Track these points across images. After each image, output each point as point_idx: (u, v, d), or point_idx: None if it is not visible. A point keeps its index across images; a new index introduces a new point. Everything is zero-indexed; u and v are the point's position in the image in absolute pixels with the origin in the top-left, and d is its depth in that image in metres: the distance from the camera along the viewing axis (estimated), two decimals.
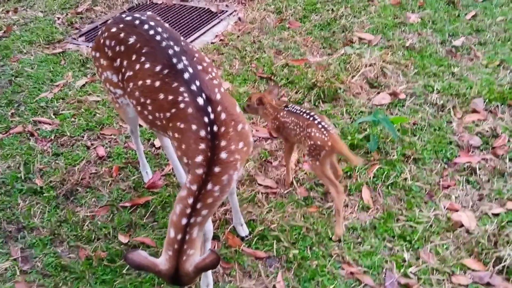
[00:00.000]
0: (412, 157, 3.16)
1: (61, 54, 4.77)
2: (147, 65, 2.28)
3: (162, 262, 2.04)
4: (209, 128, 2.04)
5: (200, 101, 2.09)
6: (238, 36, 4.75)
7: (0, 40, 5.19)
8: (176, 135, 2.17)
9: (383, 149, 3.25)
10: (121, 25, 2.46)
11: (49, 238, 2.88)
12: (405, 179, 3.02)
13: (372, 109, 3.61)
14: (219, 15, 5.24)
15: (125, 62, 2.40)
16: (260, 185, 3.11)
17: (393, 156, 3.18)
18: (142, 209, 3.01)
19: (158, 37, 2.32)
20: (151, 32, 2.35)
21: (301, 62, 4.19)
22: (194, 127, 2.07)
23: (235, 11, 5.30)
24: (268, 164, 3.28)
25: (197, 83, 2.13)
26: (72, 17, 5.46)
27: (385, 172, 3.06)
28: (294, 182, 3.10)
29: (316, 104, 3.73)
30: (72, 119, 3.84)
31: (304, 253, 2.65)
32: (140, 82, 2.29)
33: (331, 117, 3.58)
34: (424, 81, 3.83)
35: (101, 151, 3.49)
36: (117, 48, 2.44)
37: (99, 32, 2.62)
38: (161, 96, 2.20)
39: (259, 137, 3.50)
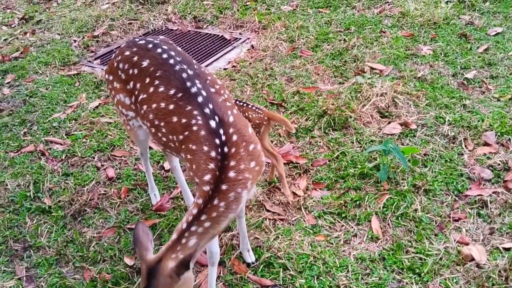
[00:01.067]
0: (422, 188, 3.13)
1: (75, 76, 4.86)
2: (161, 89, 2.32)
3: (152, 255, 2.05)
4: (219, 149, 2.10)
5: (213, 123, 2.14)
6: (251, 63, 4.80)
7: (17, 60, 5.30)
8: (188, 156, 2.21)
9: (393, 179, 3.22)
10: (134, 49, 2.52)
11: (55, 258, 2.87)
12: (416, 210, 2.98)
13: (383, 138, 3.60)
14: (232, 42, 5.32)
15: (138, 85, 2.43)
16: (268, 211, 3.09)
17: (404, 186, 3.16)
18: None
19: (171, 61, 2.37)
20: (164, 55, 2.40)
21: (312, 89, 4.22)
22: (205, 148, 2.12)
23: (248, 38, 5.37)
24: (276, 190, 3.27)
25: (210, 106, 2.18)
26: (88, 40, 5.56)
27: (395, 203, 3.03)
28: (303, 209, 3.07)
29: (326, 131, 3.73)
30: (84, 140, 3.88)
31: (311, 282, 2.61)
32: (154, 105, 2.33)
33: (341, 145, 3.57)
34: (436, 112, 3.83)
35: (110, 172, 3.50)
36: (130, 71, 2.49)
37: (113, 56, 2.67)
38: (175, 119, 2.25)
39: (268, 163, 3.49)
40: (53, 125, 4.09)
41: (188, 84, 2.27)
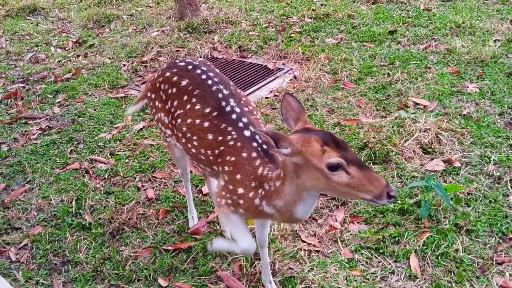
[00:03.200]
0: (465, 228, 3.02)
1: (123, 98, 5.02)
2: (197, 106, 2.44)
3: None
4: (259, 149, 2.23)
5: (247, 133, 2.28)
6: (293, 93, 4.84)
7: (68, 81, 5.54)
8: (226, 168, 2.29)
9: (434, 217, 3.13)
10: (175, 70, 2.64)
11: (91, 274, 2.92)
12: (457, 250, 2.87)
13: (425, 174, 3.52)
14: (275, 72, 5.39)
15: (175, 102, 2.55)
16: (303, 241, 3.06)
17: (445, 225, 3.06)
18: (184, 254, 3.01)
19: (209, 82, 2.50)
20: (203, 76, 2.53)
21: (353, 122, 4.20)
22: (244, 154, 2.23)
23: (291, 69, 5.43)
24: (313, 221, 3.24)
25: (244, 120, 2.33)
26: (137, 65, 5.77)
27: (436, 241, 2.94)
28: (339, 242, 3.02)
29: (367, 164, 3.68)
30: (127, 160, 3.98)
31: None
32: (189, 120, 2.44)
33: None
34: (481, 151, 3.72)
35: (150, 193, 3.57)
36: (169, 91, 2.61)
37: (155, 76, 2.78)
38: (210, 136, 2.35)
39: None
40: (98, 145, 4.23)
41: (223, 103, 2.39)
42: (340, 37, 6.07)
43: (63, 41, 6.96)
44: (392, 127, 4.04)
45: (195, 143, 2.42)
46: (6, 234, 3.29)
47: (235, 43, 6.20)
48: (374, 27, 6.21)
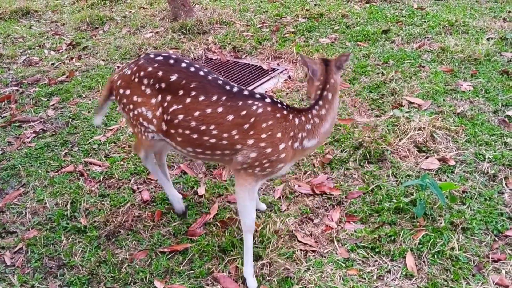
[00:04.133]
0: (460, 226, 3.03)
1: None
2: (201, 98, 2.53)
3: None
4: (285, 106, 2.59)
5: (268, 100, 2.56)
6: (287, 93, 4.84)
7: (62, 84, 5.52)
8: (264, 135, 2.48)
9: (430, 215, 3.14)
10: (156, 64, 2.67)
11: (87, 277, 2.90)
12: (453, 248, 2.88)
13: (420, 173, 3.53)
14: (270, 72, 5.39)
15: (168, 97, 2.60)
16: (299, 241, 3.05)
17: (441, 223, 3.07)
18: (180, 256, 3.00)
19: (201, 73, 2.61)
20: (192, 68, 2.63)
21: (348, 121, 4.20)
22: (278, 115, 2.52)
23: (285, 69, 5.43)
24: (309, 221, 3.24)
25: (257, 93, 2.62)
26: None
27: (431, 240, 2.94)
28: (335, 242, 3.03)
29: (362, 164, 3.69)
30: (122, 162, 3.97)
31: None
32: (197, 113, 2.52)
33: (376, 178, 3.52)
34: (475, 149, 3.74)
35: (145, 195, 3.56)
36: (157, 86, 2.64)
37: (128, 72, 2.78)
38: (230, 117, 2.49)
39: (301, 193, 3.47)
40: (93, 147, 4.21)
41: (227, 87, 2.57)
42: (334, 36, 6.08)
43: (56, 43, 6.93)
44: (387, 126, 4.05)
45: (214, 132, 2.51)
46: (1, 238, 3.27)
47: (229, 43, 6.20)
48: (368, 27, 6.23)
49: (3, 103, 5.18)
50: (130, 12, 7.97)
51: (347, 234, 3.09)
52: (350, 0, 7.33)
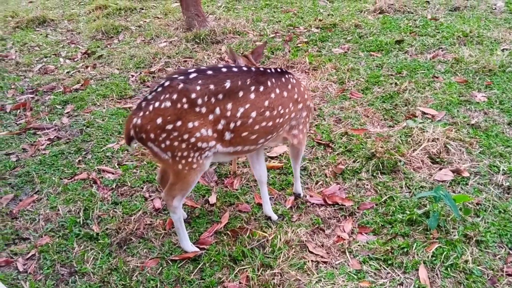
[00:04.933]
0: (474, 238, 2.99)
1: (130, 108, 5.05)
2: (261, 88, 2.73)
3: None
4: None
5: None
6: None
7: (77, 92, 5.58)
8: (305, 96, 3.03)
9: (443, 227, 3.10)
10: (200, 81, 2.59)
11: (98, 285, 2.91)
12: (466, 261, 2.84)
13: (433, 185, 3.49)
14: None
15: (229, 105, 2.62)
16: (311, 252, 3.04)
17: (454, 235, 3.03)
18: (190, 264, 3.00)
19: (238, 69, 2.75)
20: (234, 69, 2.74)
21: (360, 131, 4.19)
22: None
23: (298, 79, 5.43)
24: (320, 231, 3.22)
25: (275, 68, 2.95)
26: (145, 75, 5.80)
27: (445, 252, 2.90)
28: (347, 253, 3.00)
29: (374, 174, 3.67)
30: (134, 170, 3.99)
31: None
32: (266, 102, 2.74)
33: (389, 189, 3.50)
34: (490, 160, 3.70)
35: (157, 203, 3.57)
36: (213, 100, 2.59)
37: (167, 104, 2.56)
38: (285, 93, 2.84)
39: (313, 203, 3.46)
40: (106, 155, 4.24)
41: (263, 70, 2.84)
42: (347, 46, 6.07)
43: (72, 52, 7.02)
44: (400, 136, 4.02)
45: (281, 111, 2.81)
46: (14, 245, 3.30)
47: (242, 53, 6.20)
48: (381, 37, 6.22)
49: (18, 111, 5.25)
50: (145, 21, 8.05)
51: (359, 245, 3.06)
52: (363, 11, 7.33)
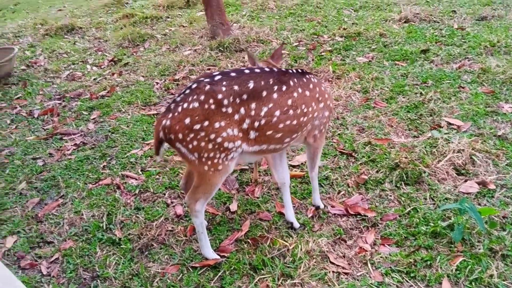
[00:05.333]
0: (500, 252, 2.91)
1: (155, 115, 5.11)
2: (283, 88, 2.78)
3: None
4: None
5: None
6: None
7: (103, 98, 5.68)
8: (326, 95, 3.02)
9: (468, 240, 3.03)
10: (225, 82, 2.67)
11: None
12: (491, 276, 2.77)
13: (458, 197, 3.43)
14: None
15: (253, 105, 2.69)
16: (332, 263, 3.00)
17: (479, 249, 2.96)
18: (211, 272, 3.00)
19: (261, 70, 2.83)
20: (256, 70, 2.81)
21: (384, 141, 4.14)
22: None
23: None
24: (342, 242, 3.18)
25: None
26: (169, 83, 5.87)
27: (469, 266, 2.84)
28: (369, 265, 2.96)
29: (398, 185, 3.62)
30: (157, 176, 4.03)
31: None
32: (289, 101, 2.80)
33: (413, 201, 3.44)
34: None
35: (179, 210, 3.59)
36: (238, 100, 2.66)
37: (195, 105, 2.63)
38: (307, 92, 2.88)
39: (334, 213, 3.43)
40: (130, 161, 4.30)
41: (284, 70, 2.90)
42: (371, 55, 6.04)
43: (99, 59, 7.16)
44: (425, 147, 3.96)
45: (305, 110, 2.86)
46: (39, 248, 3.37)
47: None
48: (406, 46, 6.16)
49: (46, 116, 5.37)
50: (170, 30, 8.16)
51: (381, 257, 3.02)
52: (389, 20, 7.28)
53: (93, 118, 5.21)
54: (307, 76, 2.96)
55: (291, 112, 2.80)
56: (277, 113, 2.76)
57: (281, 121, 2.79)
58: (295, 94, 2.81)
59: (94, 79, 6.39)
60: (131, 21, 8.77)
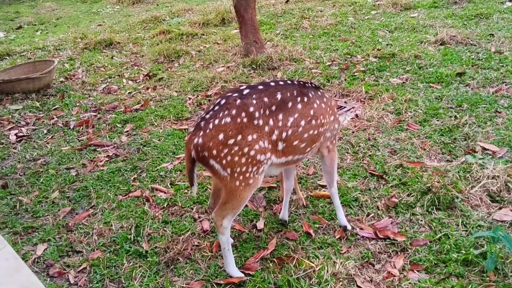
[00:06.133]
0: None
1: (186, 130, 5.18)
2: (305, 99, 2.88)
3: None
4: None
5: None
6: (353, 132, 4.78)
7: (137, 112, 5.80)
8: (335, 109, 3.16)
9: (501, 270, 2.92)
10: (254, 95, 2.73)
11: None
12: None
13: (492, 224, 3.32)
14: (337, 109, 5.35)
15: (280, 116, 2.76)
16: (358, 287, 2.94)
17: None
18: None
19: (284, 82, 2.93)
20: (281, 83, 2.90)
21: (416, 164, 4.06)
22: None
23: (353, 107, 5.38)
24: (370, 265, 3.12)
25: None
26: (201, 98, 5.95)
27: None
28: None
29: (429, 210, 3.53)
30: (186, 190, 4.06)
31: None
32: (312, 111, 2.90)
33: (445, 227, 3.35)
34: None
35: (206, 225, 3.60)
36: (268, 111, 2.72)
37: (227, 120, 2.63)
38: (323, 105, 2.99)
39: (363, 236, 3.37)
40: (160, 174, 4.35)
41: (302, 83, 3.00)
42: (405, 77, 5.97)
43: (134, 73, 7.33)
44: (458, 172, 3.87)
45: (323, 120, 2.97)
46: (67, 257, 3.43)
47: (298, 79, 6.25)
48: (441, 68, 6.06)
49: (81, 127, 5.51)
50: (205, 47, 8.29)
51: (410, 283, 2.94)
52: (424, 41, 7.20)
53: (126, 131, 5.32)
54: (320, 90, 3.09)
55: (313, 122, 2.91)
56: (302, 122, 2.85)
57: (306, 131, 2.88)
58: (315, 105, 2.93)
59: (129, 93, 6.54)
60: (167, 38, 8.96)
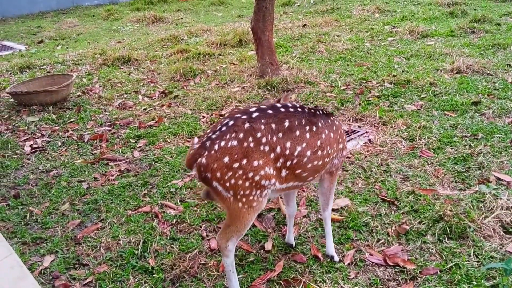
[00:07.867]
0: None
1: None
2: (314, 128, 2.81)
3: None
4: None
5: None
6: (366, 156, 4.75)
7: (151, 128, 5.84)
8: (344, 136, 3.13)
9: None
10: (263, 120, 2.66)
11: None
12: None
13: (505, 256, 3.24)
14: (350, 134, 5.35)
15: (288, 144, 2.69)
16: None
17: None
18: None
19: (294, 109, 2.82)
20: (291, 109, 2.79)
21: (429, 192, 4.01)
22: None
23: (366, 132, 5.37)
24: None
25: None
26: (215, 117, 5.98)
27: None
28: None
29: (441, 238, 3.47)
30: (195, 208, 4.05)
31: None
32: (319, 142, 2.83)
33: (456, 256, 3.28)
34: None
35: (213, 243, 3.57)
36: (275, 138, 2.65)
37: (233, 143, 2.57)
38: (332, 134, 2.93)
39: (372, 262, 3.31)
40: (170, 190, 4.36)
41: (313, 111, 2.90)
42: (420, 104, 5.95)
43: (150, 90, 7.42)
44: (471, 201, 3.81)
45: (330, 151, 2.93)
46: (74, 269, 3.42)
47: (312, 102, 6.27)
48: (457, 97, 6.03)
49: (95, 141, 5.57)
50: (221, 67, 8.38)
51: None
52: (440, 69, 7.19)
53: (139, 146, 5.35)
54: (331, 117, 3.02)
55: (319, 153, 2.84)
56: (308, 153, 2.78)
57: (310, 161, 2.81)
58: (323, 136, 2.86)
59: (144, 109, 6.60)
60: (184, 56, 9.08)
